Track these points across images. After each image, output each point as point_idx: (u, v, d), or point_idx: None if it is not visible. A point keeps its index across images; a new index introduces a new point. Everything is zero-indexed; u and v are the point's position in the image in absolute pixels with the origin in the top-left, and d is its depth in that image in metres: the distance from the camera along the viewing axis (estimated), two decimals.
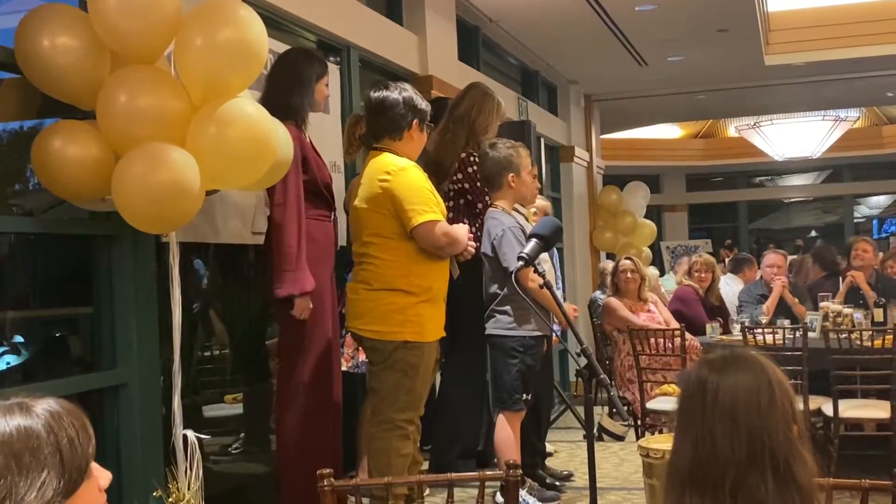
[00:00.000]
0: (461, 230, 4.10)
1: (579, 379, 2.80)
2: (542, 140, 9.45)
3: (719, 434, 1.63)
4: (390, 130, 3.99)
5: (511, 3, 7.50)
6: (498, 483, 4.27)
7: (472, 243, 4.14)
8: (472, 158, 4.88)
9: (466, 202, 4.90)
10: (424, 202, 3.87)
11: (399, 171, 3.89)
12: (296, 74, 3.97)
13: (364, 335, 3.97)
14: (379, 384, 3.94)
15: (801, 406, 5.30)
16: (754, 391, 1.65)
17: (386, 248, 3.91)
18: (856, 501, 2.01)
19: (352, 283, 4.06)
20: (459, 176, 4.90)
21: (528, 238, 3.18)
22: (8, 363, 3.85)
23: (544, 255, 5.08)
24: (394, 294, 3.88)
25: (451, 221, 4.77)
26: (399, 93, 4.00)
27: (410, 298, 3.88)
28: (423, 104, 4.07)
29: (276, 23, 4.86)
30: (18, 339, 3.97)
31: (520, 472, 2.12)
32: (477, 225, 4.80)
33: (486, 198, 4.83)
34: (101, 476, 1.42)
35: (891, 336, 5.35)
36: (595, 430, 6.62)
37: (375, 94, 4.04)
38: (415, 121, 4.01)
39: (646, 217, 11.39)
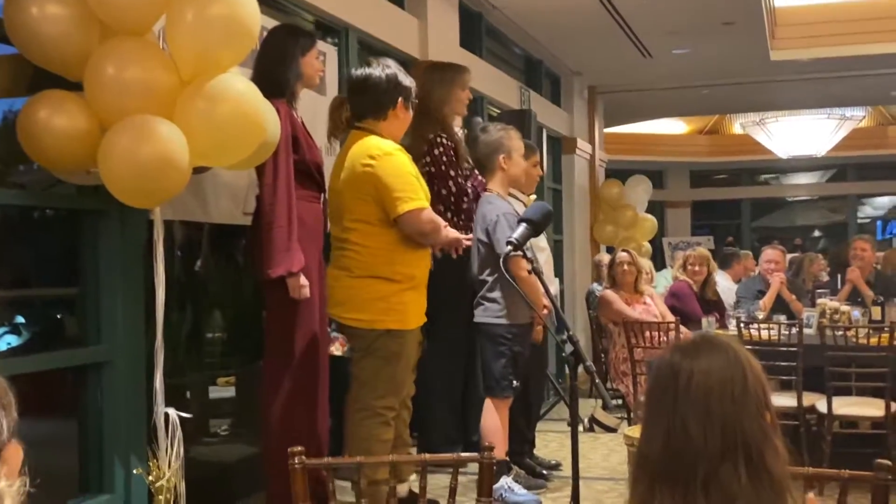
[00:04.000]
0: (456, 233, 4.09)
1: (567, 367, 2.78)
2: (545, 130, 9.40)
3: (692, 424, 1.57)
4: (374, 110, 3.92)
5: None
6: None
7: (467, 240, 4.10)
8: (438, 139, 4.79)
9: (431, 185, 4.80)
10: (411, 189, 3.80)
11: (383, 156, 3.80)
12: (280, 49, 3.91)
13: (346, 323, 3.92)
14: (359, 370, 3.91)
15: (794, 402, 5.31)
16: (728, 379, 1.59)
17: (369, 235, 3.84)
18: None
19: (332, 269, 3.98)
20: (427, 159, 4.80)
21: (518, 223, 3.16)
22: (9, 343, 3.85)
23: (542, 243, 5.07)
24: (378, 282, 3.83)
25: None
26: (382, 70, 3.91)
27: (394, 286, 3.83)
28: (408, 81, 3.98)
29: (275, 2, 4.81)
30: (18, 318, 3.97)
31: (495, 456, 2.09)
32: (441, 209, 4.71)
33: (450, 182, 4.75)
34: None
35: (887, 334, 5.31)
36: (587, 422, 6.68)
37: (357, 73, 3.96)
38: (399, 99, 3.92)
39: (649, 212, 11.33)
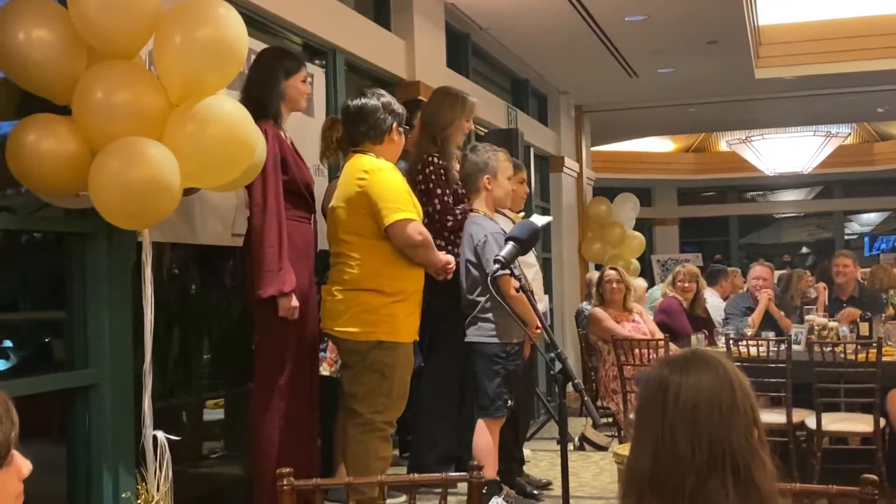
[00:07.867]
0: (446, 255, 4.14)
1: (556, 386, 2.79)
2: (532, 149, 9.43)
3: (680, 438, 1.59)
4: (371, 136, 4.08)
5: (501, 12, 7.48)
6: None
7: (451, 265, 4.15)
8: (431, 158, 4.84)
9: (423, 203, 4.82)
10: (399, 201, 3.92)
11: (376, 171, 3.95)
12: (263, 71, 3.99)
13: (340, 336, 3.97)
14: (356, 387, 3.93)
15: (784, 418, 5.32)
16: (716, 394, 1.60)
17: (361, 248, 3.94)
18: None
19: (326, 286, 4.07)
20: (420, 177, 4.84)
21: (506, 241, 3.17)
22: None
23: (530, 259, 5.08)
24: (367, 294, 3.90)
25: None
26: (377, 99, 4.10)
27: (384, 298, 3.90)
28: (400, 108, 4.19)
29: (262, 24, 4.83)
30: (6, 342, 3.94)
31: (483, 475, 2.09)
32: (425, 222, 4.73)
33: (436, 200, 4.78)
34: (23, 465, 1.39)
35: (875, 350, 5.33)
36: (578, 441, 6.67)
37: (354, 103, 4.13)
38: (394, 124, 4.11)
39: (637, 230, 11.37)
